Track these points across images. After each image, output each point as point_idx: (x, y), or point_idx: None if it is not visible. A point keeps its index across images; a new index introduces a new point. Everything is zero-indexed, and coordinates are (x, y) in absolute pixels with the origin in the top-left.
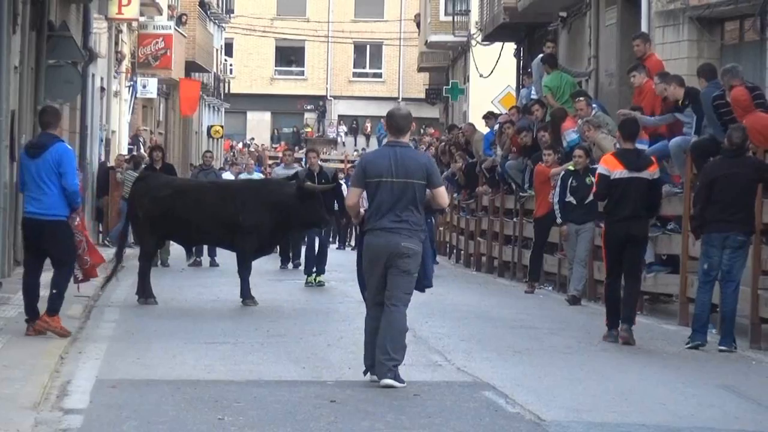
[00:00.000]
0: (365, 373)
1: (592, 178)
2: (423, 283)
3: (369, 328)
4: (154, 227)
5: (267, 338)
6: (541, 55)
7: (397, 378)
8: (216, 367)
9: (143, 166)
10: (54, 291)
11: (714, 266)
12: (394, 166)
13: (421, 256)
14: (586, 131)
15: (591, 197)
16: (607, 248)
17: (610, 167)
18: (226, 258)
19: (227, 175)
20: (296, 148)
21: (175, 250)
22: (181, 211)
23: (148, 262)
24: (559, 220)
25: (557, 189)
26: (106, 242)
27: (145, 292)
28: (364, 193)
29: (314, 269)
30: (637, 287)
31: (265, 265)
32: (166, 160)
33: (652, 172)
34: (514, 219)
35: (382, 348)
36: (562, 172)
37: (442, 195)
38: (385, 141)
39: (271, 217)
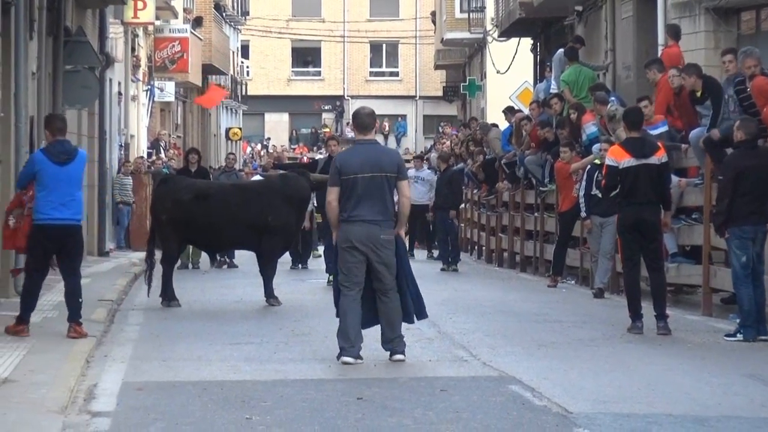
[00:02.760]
0: (338, 357)
1: None
2: (414, 317)
3: (348, 309)
4: (176, 230)
5: (292, 337)
6: (561, 49)
7: (404, 352)
8: (241, 367)
9: (162, 169)
10: (80, 299)
11: (750, 258)
12: (367, 161)
13: (404, 290)
14: (608, 124)
15: (596, 190)
16: (622, 236)
17: (617, 158)
18: (247, 258)
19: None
20: (314, 148)
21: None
22: (205, 214)
23: (170, 265)
24: (583, 214)
25: (583, 183)
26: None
27: (167, 295)
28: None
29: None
30: (663, 279)
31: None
32: (202, 164)
33: (659, 157)
34: (535, 214)
35: (392, 331)
36: (588, 166)
37: (406, 187)
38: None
39: (296, 214)
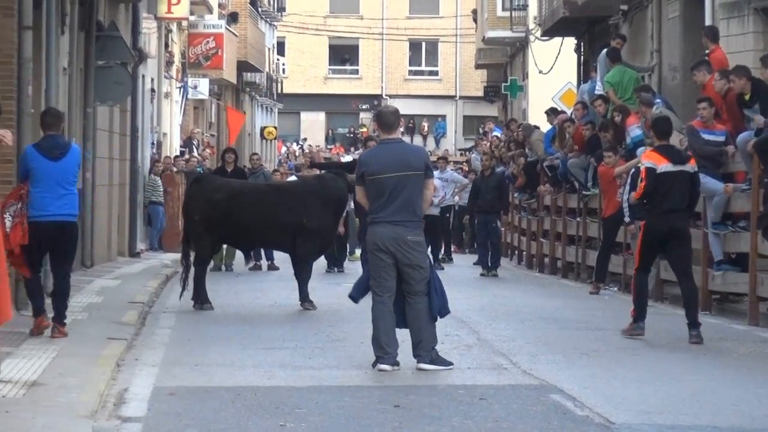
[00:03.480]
0: (374, 364)
1: None
2: (439, 312)
3: (381, 314)
4: (210, 231)
5: (327, 343)
6: (605, 49)
7: (436, 361)
8: (276, 372)
9: (197, 168)
10: (67, 301)
11: None
12: (392, 160)
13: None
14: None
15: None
16: (646, 242)
17: (656, 161)
18: (283, 261)
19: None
20: (351, 149)
21: (238, 254)
22: (238, 213)
23: (203, 266)
24: (627, 219)
25: (627, 187)
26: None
27: (200, 298)
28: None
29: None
30: (694, 285)
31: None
32: (238, 164)
33: (693, 165)
34: (578, 218)
35: (416, 337)
36: (632, 170)
37: (432, 185)
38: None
39: (332, 216)
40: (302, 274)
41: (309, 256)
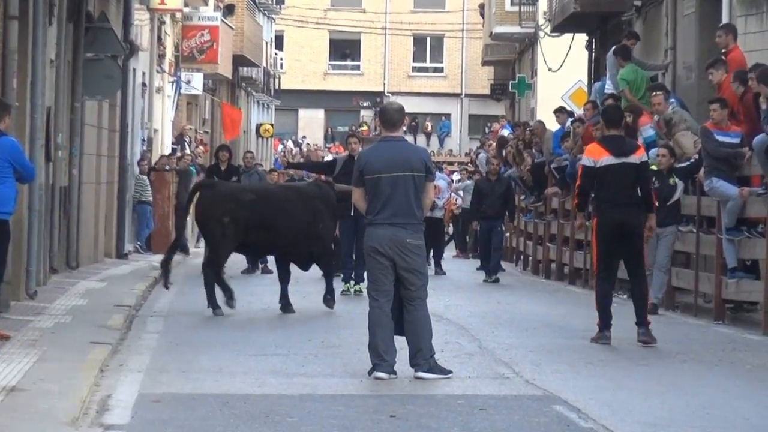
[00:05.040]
0: (370, 372)
1: (676, 179)
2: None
3: (378, 320)
4: (238, 234)
5: (321, 349)
6: (614, 47)
7: (434, 370)
8: (267, 380)
9: (190, 166)
10: None
11: None
12: (393, 160)
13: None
14: (663, 128)
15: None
16: (600, 240)
17: (595, 156)
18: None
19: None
20: None
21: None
22: (267, 215)
23: (217, 270)
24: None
25: None
26: (137, 246)
27: (215, 302)
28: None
29: (352, 276)
30: (644, 285)
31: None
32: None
33: (639, 156)
34: (587, 222)
35: (414, 345)
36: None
37: (431, 190)
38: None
39: (334, 224)
40: (328, 275)
41: (329, 258)
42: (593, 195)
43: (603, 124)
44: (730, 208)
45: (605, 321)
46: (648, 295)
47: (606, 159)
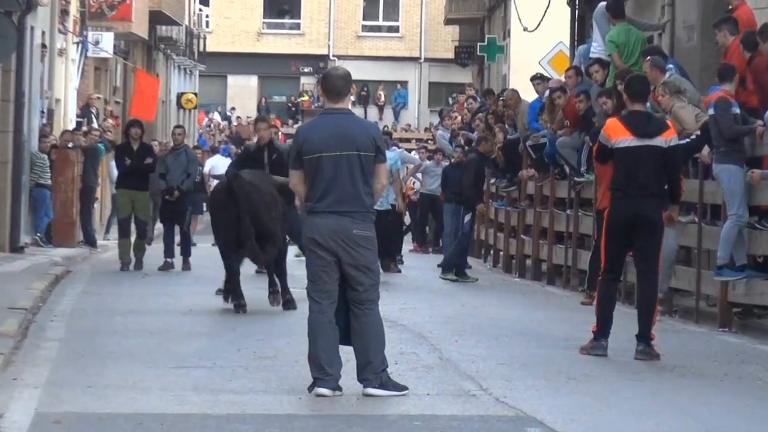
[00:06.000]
0: (311, 388)
1: None
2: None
3: (320, 327)
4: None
5: (253, 361)
6: (603, 2)
7: (386, 385)
8: (188, 397)
9: (98, 143)
10: None
11: None
12: (336, 136)
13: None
14: (659, 97)
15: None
16: (609, 234)
17: (612, 134)
18: (200, 261)
19: (220, 160)
20: (290, 121)
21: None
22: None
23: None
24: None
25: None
26: (36, 238)
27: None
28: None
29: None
30: (654, 292)
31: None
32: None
33: (666, 139)
34: (568, 211)
35: (363, 357)
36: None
37: (383, 174)
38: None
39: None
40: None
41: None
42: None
43: (627, 98)
44: (726, 236)
45: (604, 328)
46: (657, 303)
47: (624, 140)
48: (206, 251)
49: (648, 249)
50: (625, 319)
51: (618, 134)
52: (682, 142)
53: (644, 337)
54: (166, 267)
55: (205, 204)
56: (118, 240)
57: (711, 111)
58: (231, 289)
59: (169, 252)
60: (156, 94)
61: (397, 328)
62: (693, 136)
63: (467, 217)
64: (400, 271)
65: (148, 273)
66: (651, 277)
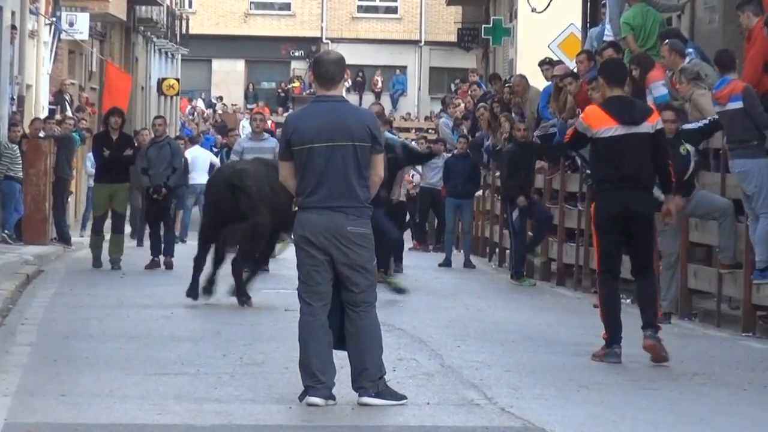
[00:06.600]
0: (302, 397)
1: (688, 147)
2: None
3: (312, 331)
4: None
5: (240, 367)
6: None
7: (383, 394)
8: (169, 406)
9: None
10: None
11: None
12: (329, 126)
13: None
14: (677, 85)
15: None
16: (600, 230)
17: (593, 124)
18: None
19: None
20: (280, 110)
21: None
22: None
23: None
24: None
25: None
26: (5, 235)
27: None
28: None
29: None
30: (653, 286)
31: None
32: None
33: (652, 124)
34: (579, 206)
35: (359, 363)
36: None
37: (380, 165)
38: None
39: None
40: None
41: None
42: (591, 173)
43: (603, 83)
44: (764, 236)
45: (614, 332)
46: (659, 294)
47: (608, 129)
48: (193, 249)
49: (641, 244)
50: (635, 321)
51: (600, 123)
52: (693, 126)
53: (650, 324)
54: (153, 265)
55: (191, 199)
56: (90, 236)
57: (736, 104)
58: (196, 278)
59: (155, 250)
60: (127, 91)
61: (395, 332)
62: (706, 121)
63: (514, 214)
64: (401, 271)
65: (126, 273)
66: (648, 273)
